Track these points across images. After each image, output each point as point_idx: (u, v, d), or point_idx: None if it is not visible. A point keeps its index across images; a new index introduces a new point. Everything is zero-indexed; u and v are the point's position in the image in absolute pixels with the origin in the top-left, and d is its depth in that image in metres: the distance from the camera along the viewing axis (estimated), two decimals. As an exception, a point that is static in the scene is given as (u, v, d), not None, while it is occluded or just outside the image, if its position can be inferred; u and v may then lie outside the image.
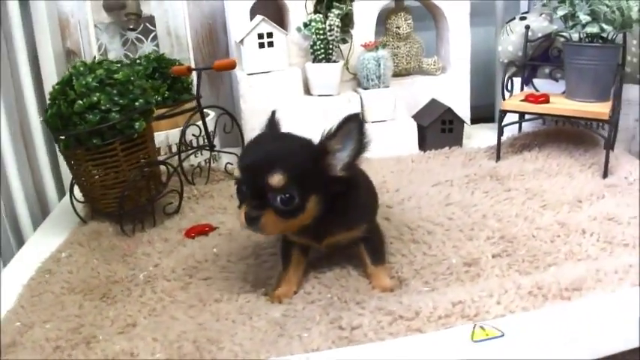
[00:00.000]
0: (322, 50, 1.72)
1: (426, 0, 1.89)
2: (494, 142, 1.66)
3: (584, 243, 1.16)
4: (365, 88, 1.77)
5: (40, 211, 1.64)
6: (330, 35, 1.69)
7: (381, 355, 0.82)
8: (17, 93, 1.59)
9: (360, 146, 0.97)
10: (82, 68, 1.26)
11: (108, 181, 1.31)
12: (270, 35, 1.67)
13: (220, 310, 1.02)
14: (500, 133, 1.63)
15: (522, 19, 1.80)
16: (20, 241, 1.50)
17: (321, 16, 1.70)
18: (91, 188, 1.33)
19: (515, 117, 1.74)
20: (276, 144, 1.00)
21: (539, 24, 1.76)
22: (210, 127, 1.63)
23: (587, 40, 1.54)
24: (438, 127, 1.78)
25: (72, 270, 1.17)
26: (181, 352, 0.88)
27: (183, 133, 1.50)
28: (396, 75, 1.93)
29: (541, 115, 1.61)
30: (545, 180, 1.48)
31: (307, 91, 1.79)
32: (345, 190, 1.00)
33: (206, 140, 1.60)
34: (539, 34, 1.75)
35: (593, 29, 1.49)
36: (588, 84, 1.55)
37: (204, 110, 1.60)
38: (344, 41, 1.75)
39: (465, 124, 1.81)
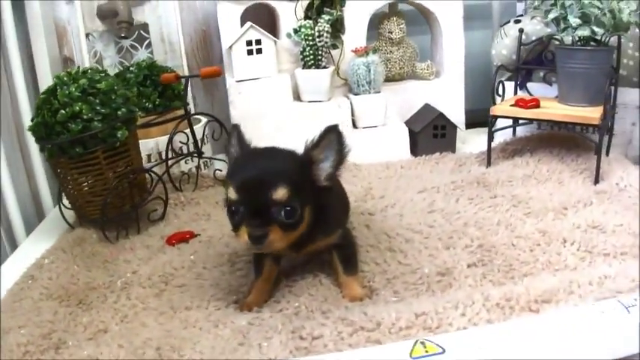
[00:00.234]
0: (312, 56, 1.72)
1: (419, 4, 1.88)
2: (494, 147, 1.65)
3: (563, 252, 1.14)
4: (356, 94, 1.77)
5: (37, 217, 1.67)
6: (320, 41, 1.69)
7: None
8: (13, 100, 1.62)
9: (341, 157, 0.99)
10: (65, 78, 1.29)
11: (92, 188, 1.33)
12: (258, 42, 1.69)
13: (189, 317, 1.04)
14: (491, 138, 1.61)
15: (517, 22, 1.78)
16: (14, 247, 1.53)
17: (310, 22, 1.70)
18: (76, 196, 1.35)
19: (509, 121, 1.72)
20: (267, 158, 1.00)
21: (534, 27, 1.74)
22: (200, 135, 1.65)
23: (580, 43, 1.52)
24: (429, 133, 1.77)
25: (52, 276, 1.19)
26: (142, 358, 0.90)
27: (170, 141, 1.52)
28: (389, 80, 1.93)
29: (531, 120, 1.59)
30: (533, 186, 1.47)
31: (298, 97, 1.79)
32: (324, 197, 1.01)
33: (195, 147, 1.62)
34: (534, 38, 1.73)
35: (584, 32, 1.47)
36: (580, 88, 1.53)
37: (196, 117, 1.62)
38: (334, 47, 1.76)
39: (458, 129, 1.80)
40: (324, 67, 1.75)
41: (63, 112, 1.25)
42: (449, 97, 1.90)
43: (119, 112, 1.30)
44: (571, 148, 1.62)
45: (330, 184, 1.01)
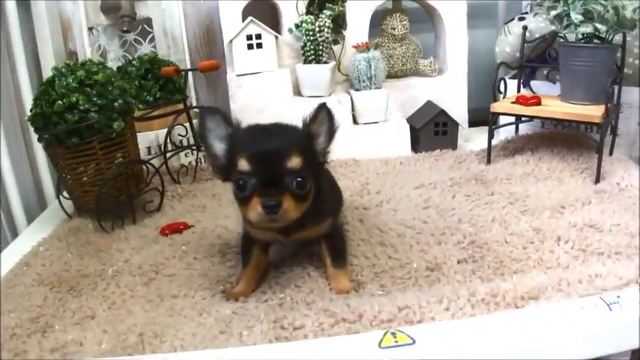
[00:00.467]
0: (312, 51, 1.72)
1: (423, 1, 1.87)
2: (495, 145, 1.64)
3: (556, 250, 1.13)
4: (357, 90, 1.77)
5: (39, 207, 1.69)
6: (321, 36, 1.69)
7: (283, 356, 0.82)
8: (17, 92, 1.65)
9: (332, 132, 1.01)
10: (63, 69, 1.30)
11: (88, 178, 1.35)
12: (259, 37, 1.69)
13: (175, 305, 1.05)
14: (491, 135, 1.60)
15: (521, 19, 1.77)
16: (16, 236, 1.55)
17: (311, 17, 1.70)
18: (73, 186, 1.37)
19: (512, 119, 1.71)
20: (275, 131, 1.00)
21: (538, 25, 1.73)
22: (200, 128, 1.65)
23: (583, 40, 1.50)
24: (431, 130, 1.76)
25: (45, 263, 1.21)
26: (125, 344, 0.91)
27: (169, 133, 1.53)
28: (392, 76, 1.92)
29: (532, 118, 1.58)
30: (532, 184, 1.45)
31: (298, 92, 1.80)
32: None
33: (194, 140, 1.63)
34: (538, 35, 1.71)
35: (586, 29, 1.45)
36: (583, 86, 1.51)
37: (195, 110, 1.63)
38: (336, 42, 1.75)
39: (459, 127, 1.79)
40: (325, 63, 1.75)
41: (60, 102, 1.26)
42: (452, 95, 1.88)
43: (116, 104, 1.32)
44: (573, 147, 1.60)
45: (325, 161, 1.03)
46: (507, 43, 1.78)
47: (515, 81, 1.74)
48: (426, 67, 1.92)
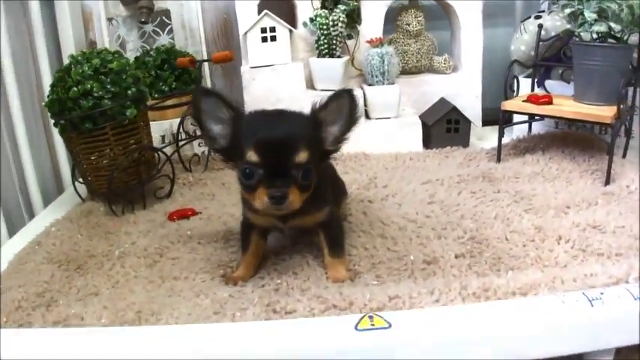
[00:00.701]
0: (326, 45, 1.74)
1: (439, -2, 1.89)
2: (506, 143, 1.64)
3: (556, 249, 1.12)
4: (370, 85, 1.78)
5: (57, 192, 1.74)
6: (334, 30, 1.71)
7: (259, 333, 0.84)
8: (38, 79, 1.70)
9: (351, 121, 1.01)
10: (79, 58, 1.35)
11: (100, 163, 1.39)
12: (273, 30, 1.71)
13: (175, 286, 1.07)
14: (501, 134, 1.60)
15: (537, 17, 1.76)
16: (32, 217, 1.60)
17: (326, 11, 1.72)
18: (86, 170, 1.41)
19: (525, 118, 1.71)
20: (283, 121, 1.01)
21: (554, 23, 1.72)
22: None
23: (598, 40, 1.49)
24: (443, 127, 1.76)
25: (55, 243, 1.26)
26: (123, 319, 0.94)
27: (181, 123, 1.57)
28: (406, 72, 1.93)
29: (543, 117, 1.57)
30: (539, 184, 1.45)
31: (311, 85, 1.82)
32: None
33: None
34: (553, 34, 1.70)
35: (600, 28, 1.44)
36: (596, 86, 1.50)
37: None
38: (350, 37, 1.77)
39: (472, 125, 1.79)
40: (339, 57, 1.77)
41: (75, 89, 1.31)
42: (466, 92, 1.89)
43: (129, 92, 1.36)
44: (585, 148, 1.60)
45: (336, 149, 1.03)
46: (522, 41, 1.78)
47: (530, 80, 1.73)
48: (440, 64, 1.92)
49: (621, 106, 1.43)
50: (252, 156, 0.94)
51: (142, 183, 1.43)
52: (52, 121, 1.40)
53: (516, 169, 1.54)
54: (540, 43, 1.70)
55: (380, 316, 0.77)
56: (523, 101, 1.57)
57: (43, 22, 1.66)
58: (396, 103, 1.77)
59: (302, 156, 0.94)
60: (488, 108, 1.94)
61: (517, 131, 1.78)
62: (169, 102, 1.65)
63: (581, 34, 1.50)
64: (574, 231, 1.18)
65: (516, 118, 1.74)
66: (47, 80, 1.66)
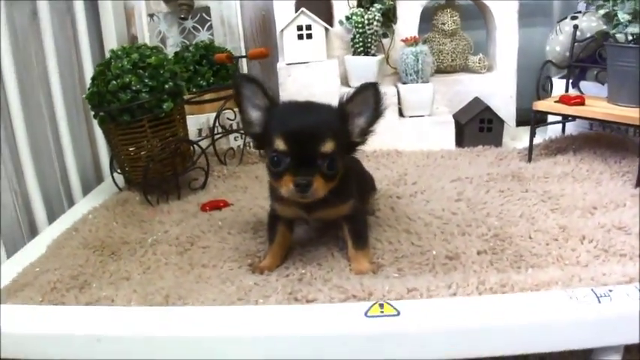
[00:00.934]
0: (361, 43, 1.77)
1: (475, -2, 1.89)
2: (538, 144, 1.64)
3: (578, 249, 1.12)
4: (404, 83, 1.80)
5: (96, 182, 1.81)
6: (370, 29, 1.73)
7: (271, 317, 0.87)
8: (80, 73, 1.77)
9: (376, 114, 1.04)
10: (119, 52, 1.41)
11: (137, 154, 1.45)
12: (308, 27, 1.75)
13: (203, 273, 1.12)
14: (533, 133, 1.60)
15: (573, 18, 1.74)
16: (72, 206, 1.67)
17: (362, 10, 1.75)
18: (123, 160, 1.48)
19: (558, 119, 1.70)
20: (311, 111, 1.05)
21: (590, 24, 1.70)
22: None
23: (633, 41, 1.47)
24: (476, 126, 1.77)
25: (92, 229, 1.32)
26: (151, 303, 0.99)
27: (217, 117, 1.62)
28: (441, 71, 1.94)
29: (575, 118, 1.56)
30: (569, 184, 1.44)
31: (346, 83, 1.84)
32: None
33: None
34: (589, 35, 1.69)
35: (634, 29, 1.42)
36: (630, 88, 1.48)
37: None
38: (385, 35, 1.79)
39: (506, 125, 1.79)
40: (373, 55, 1.79)
41: (114, 82, 1.37)
42: (500, 92, 1.89)
43: (166, 86, 1.41)
44: (618, 150, 1.58)
45: (363, 142, 1.06)
46: (558, 42, 1.77)
47: (564, 81, 1.72)
48: (475, 64, 1.92)
49: (655, 108, 1.42)
50: (280, 144, 0.98)
51: (177, 174, 1.48)
52: (92, 113, 1.47)
53: (546, 169, 1.54)
54: (575, 44, 1.69)
55: (390, 304, 0.79)
56: (555, 102, 1.56)
57: (87, 18, 1.73)
58: (430, 101, 1.78)
59: (328, 146, 0.97)
60: (524, 108, 1.92)
61: (550, 132, 1.77)
62: (207, 96, 1.70)
63: (616, 35, 1.48)
64: (598, 231, 1.18)
65: (550, 119, 1.74)
66: (89, 71, 1.73)
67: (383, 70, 1.86)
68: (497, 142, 1.79)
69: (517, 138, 1.87)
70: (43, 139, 1.60)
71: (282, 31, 1.77)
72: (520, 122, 1.94)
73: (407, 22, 1.86)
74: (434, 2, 1.91)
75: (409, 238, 1.21)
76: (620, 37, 1.51)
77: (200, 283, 1.08)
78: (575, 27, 1.67)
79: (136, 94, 1.37)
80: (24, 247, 1.32)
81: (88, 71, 1.72)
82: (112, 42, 1.81)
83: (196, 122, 1.74)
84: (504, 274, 1.03)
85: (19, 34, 1.52)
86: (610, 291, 0.82)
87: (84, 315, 0.89)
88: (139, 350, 0.83)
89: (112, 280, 1.11)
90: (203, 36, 1.99)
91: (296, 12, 1.77)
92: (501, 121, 1.77)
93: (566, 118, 1.68)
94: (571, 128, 1.75)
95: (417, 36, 1.81)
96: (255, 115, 1.06)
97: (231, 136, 1.77)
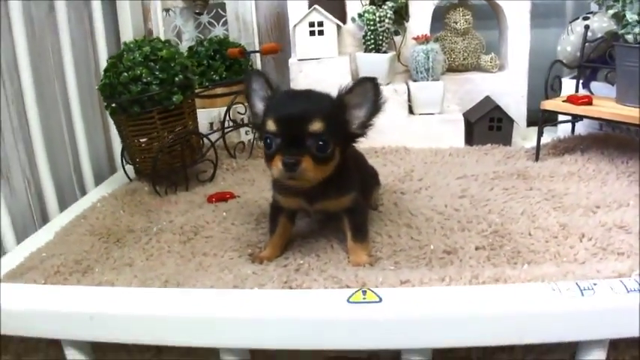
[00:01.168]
0: (373, 41, 1.78)
1: (488, -3, 1.89)
2: (546, 143, 1.64)
3: (577, 246, 1.12)
4: (414, 81, 1.81)
5: (109, 172, 1.85)
6: (381, 26, 1.75)
7: (252, 301, 0.87)
8: (96, 66, 1.82)
9: (375, 107, 1.05)
10: (132, 45, 1.44)
11: (146, 146, 1.48)
12: (320, 24, 1.77)
13: (204, 262, 1.14)
14: (540, 133, 1.60)
15: (585, 18, 1.74)
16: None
17: (374, 7, 1.76)
18: (133, 151, 1.51)
19: (567, 119, 1.70)
20: (305, 96, 1.08)
21: (601, 24, 1.69)
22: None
23: (640, 42, 1.47)
24: (485, 125, 1.77)
25: (99, 217, 1.36)
26: (150, 287, 1.01)
27: (228, 111, 1.65)
28: (452, 70, 1.95)
29: (582, 118, 1.56)
30: (574, 183, 1.44)
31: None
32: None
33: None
34: (599, 35, 1.68)
35: (643, 30, 1.42)
36: (638, 88, 1.47)
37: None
38: (397, 33, 1.80)
39: (515, 124, 1.79)
40: (385, 52, 1.81)
41: (125, 74, 1.40)
42: (511, 92, 1.89)
43: (176, 79, 1.44)
44: (626, 151, 1.57)
45: (362, 133, 1.08)
46: (569, 42, 1.76)
47: (574, 81, 1.72)
48: (487, 63, 1.93)
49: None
50: (270, 125, 1.00)
51: (185, 166, 1.51)
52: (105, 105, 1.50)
53: (553, 168, 1.54)
54: (586, 44, 1.68)
55: (372, 291, 0.81)
56: (563, 101, 1.56)
57: (105, 13, 1.78)
58: (440, 99, 1.79)
59: (316, 125, 0.98)
60: (535, 109, 1.92)
61: (560, 132, 1.77)
62: (218, 90, 1.73)
63: (625, 35, 1.48)
64: (599, 230, 1.17)
65: (560, 119, 1.73)
66: (104, 64, 1.76)
67: (394, 68, 1.88)
68: (507, 141, 1.79)
69: (527, 138, 1.87)
70: (58, 130, 1.65)
71: (294, 26, 1.79)
72: (531, 122, 1.94)
73: (419, 20, 1.87)
74: (446, 1, 1.92)
75: (409, 232, 1.22)
76: (629, 37, 1.50)
77: (199, 271, 1.10)
78: (586, 27, 1.67)
79: (147, 86, 1.41)
80: (34, 234, 1.36)
81: (104, 65, 1.75)
82: (128, 36, 1.85)
83: (208, 116, 1.77)
84: (499, 268, 1.03)
85: (35, 26, 1.56)
86: (594, 284, 0.82)
87: (78, 294, 0.92)
88: (132, 328, 0.85)
89: (114, 266, 1.15)
90: (218, 31, 2.03)
91: (309, 8, 1.79)
92: (511, 121, 1.78)
93: (575, 118, 1.68)
94: (580, 129, 1.75)
95: (429, 34, 1.82)
96: (260, 106, 1.09)
97: (242, 130, 1.80)
